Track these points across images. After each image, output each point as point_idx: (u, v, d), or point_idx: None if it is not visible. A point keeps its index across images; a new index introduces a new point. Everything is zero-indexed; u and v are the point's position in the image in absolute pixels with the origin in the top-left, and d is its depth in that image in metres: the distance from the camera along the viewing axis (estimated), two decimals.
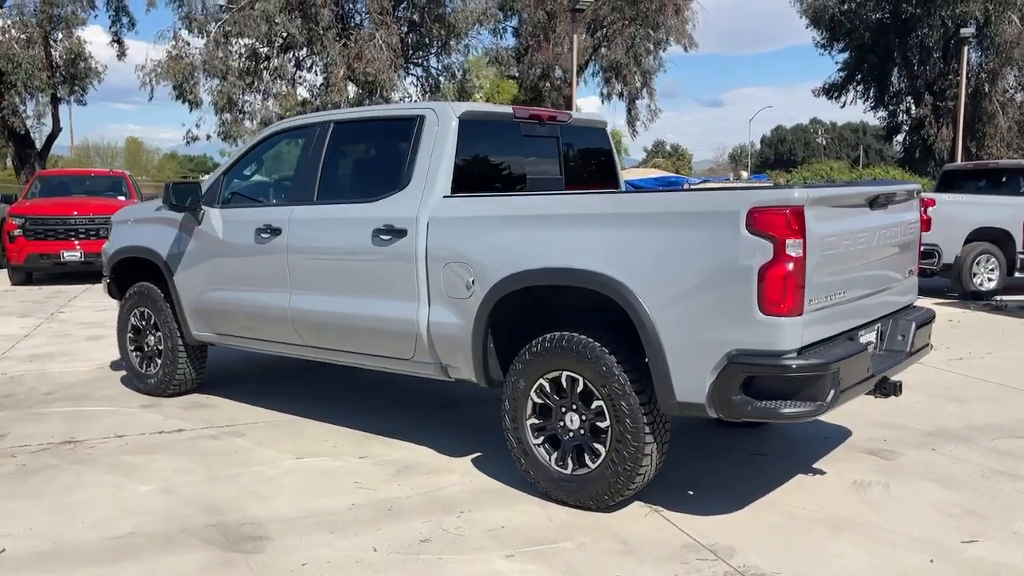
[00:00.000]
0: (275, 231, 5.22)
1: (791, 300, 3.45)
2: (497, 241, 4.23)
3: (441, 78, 29.59)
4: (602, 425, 3.93)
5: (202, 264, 5.75)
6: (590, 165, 5.67)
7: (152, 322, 6.22)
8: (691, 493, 4.26)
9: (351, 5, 28.73)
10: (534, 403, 4.18)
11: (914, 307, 4.72)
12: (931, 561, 3.49)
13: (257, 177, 5.95)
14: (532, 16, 30.67)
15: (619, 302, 3.77)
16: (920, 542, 3.67)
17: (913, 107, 37.45)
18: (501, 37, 32.29)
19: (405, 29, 28.44)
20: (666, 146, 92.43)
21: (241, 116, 27.83)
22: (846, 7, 37.45)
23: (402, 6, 28.18)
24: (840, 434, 5.17)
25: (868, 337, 4.11)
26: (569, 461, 4.07)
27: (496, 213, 4.36)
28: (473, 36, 29.46)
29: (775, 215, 3.43)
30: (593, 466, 3.98)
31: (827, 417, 4.69)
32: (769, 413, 3.54)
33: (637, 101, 32.38)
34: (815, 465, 4.67)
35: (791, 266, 3.43)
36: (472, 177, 4.73)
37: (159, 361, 6.21)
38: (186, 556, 3.60)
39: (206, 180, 6.01)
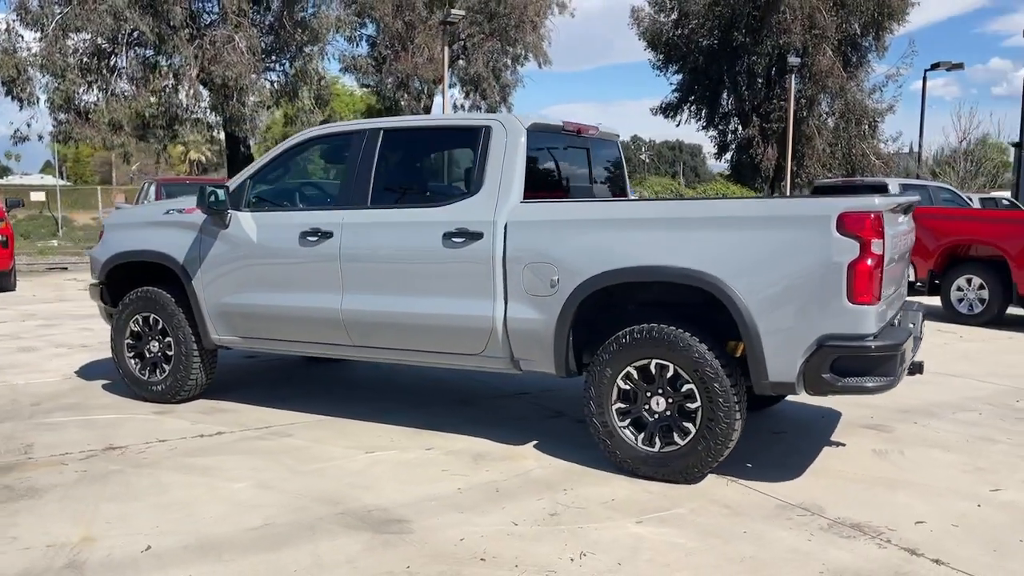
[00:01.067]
0: (325, 234, 5.35)
1: (874, 291, 4.09)
2: (585, 243, 4.63)
3: (299, 83, 29.10)
4: (692, 406, 4.41)
5: (229, 267, 5.75)
6: (606, 174, 6.16)
7: (159, 327, 6.10)
8: (749, 465, 4.82)
9: (203, 4, 27.78)
10: (620, 389, 4.61)
11: (908, 301, 5.55)
12: (978, 506, 4.22)
13: (288, 181, 6.00)
14: (390, 26, 30.83)
15: (718, 296, 4.28)
16: (959, 492, 4.41)
17: (741, 128, 40.47)
18: (357, 45, 32.21)
19: (263, 32, 27.83)
20: None
21: (83, 117, 26.24)
22: (680, 32, 40.01)
23: (261, 7, 27.58)
24: (832, 414, 5.92)
25: (908, 324, 4.84)
26: (656, 440, 4.53)
27: (583, 217, 4.76)
28: (330, 42, 29.31)
29: (862, 219, 4.05)
30: (682, 443, 4.46)
31: (813, 401, 5.44)
32: (855, 388, 4.15)
33: None
34: (832, 439, 5.37)
35: (873, 262, 4.06)
36: (531, 183, 5.09)
37: (166, 367, 6.10)
38: (340, 541, 3.75)
39: (228, 183, 6.02)
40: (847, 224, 4.06)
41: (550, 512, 4.10)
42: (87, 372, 7.24)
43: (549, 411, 6.04)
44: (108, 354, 6.73)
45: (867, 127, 37.98)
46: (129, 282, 6.35)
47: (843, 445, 5.25)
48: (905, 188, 13.32)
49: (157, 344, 6.16)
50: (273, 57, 29.47)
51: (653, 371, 4.52)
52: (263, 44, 27.90)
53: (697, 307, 4.48)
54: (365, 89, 35.93)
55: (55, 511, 4.07)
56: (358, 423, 5.67)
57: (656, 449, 4.53)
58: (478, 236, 4.90)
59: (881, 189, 13.05)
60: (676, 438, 4.49)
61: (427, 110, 32.12)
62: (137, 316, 6.20)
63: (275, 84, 29.29)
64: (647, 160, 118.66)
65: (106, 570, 3.45)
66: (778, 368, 4.22)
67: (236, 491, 4.39)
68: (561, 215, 4.82)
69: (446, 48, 25.38)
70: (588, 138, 5.77)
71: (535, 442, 5.24)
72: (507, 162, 4.96)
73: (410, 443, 5.23)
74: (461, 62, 32.51)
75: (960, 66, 32.90)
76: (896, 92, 52.13)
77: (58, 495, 4.29)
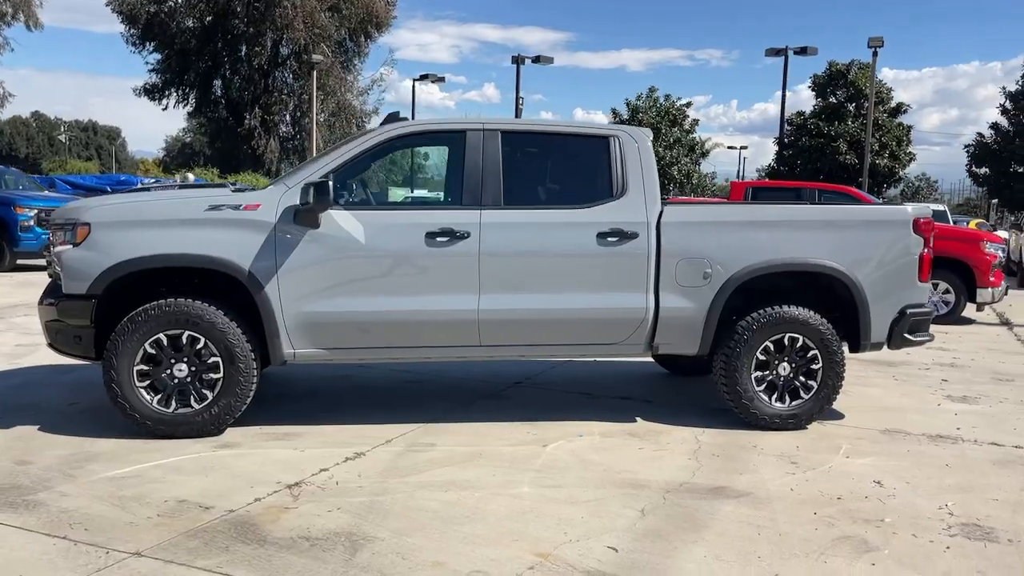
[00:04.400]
0: (460, 235, 5.23)
1: (929, 273, 5.84)
2: (734, 240, 5.54)
3: None
4: (815, 367, 5.67)
5: (323, 273, 5.14)
6: None
7: (196, 348, 5.08)
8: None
9: None
10: (758, 360, 5.63)
11: None
12: (1016, 447, 6.10)
13: (377, 178, 5.46)
14: None
15: (845, 282, 5.59)
16: (992, 444, 5.63)
17: (232, 118, 40.12)
18: None
19: None
20: None
21: None
22: (160, 8, 38.03)
23: None
24: None
25: None
26: (787, 398, 5.68)
27: (730, 219, 5.62)
28: None
29: (927, 222, 5.78)
30: (807, 397, 5.69)
31: None
32: (918, 342, 5.88)
33: None
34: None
35: (929, 252, 5.81)
36: None
37: (208, 393, 5.11)
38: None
39: (290, 177, 5.26)
40: (920, 226, 5.75)
41: (791, 461, 5.01)
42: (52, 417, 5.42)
43: (579, 394, 6.60)
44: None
45: (355, 127, 40.87)
46: (134, 296, 5.11)
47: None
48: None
49: (186, 367, 5.10)
50: None
51: (786, 343, 5.65)
52: None
53: (816, 291, 5.72)
54: None
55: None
56: (459, 426, 5.58)
57: (787, 405, 5.68)
58: (633, 236, 5.42)
59: None
60: (801, 394, 5.69)
61: None
62: (158, 335, 5.04)
63: None
64: (65, 140, 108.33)
65: None
66: (877, 331, 5.73)
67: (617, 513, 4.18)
68: (711, 216, 5.65)
69: None
70: None
71: (638, 417, 5.90)
72: (646, 168, 5.56)
73: (558, 434, 5.44)
74: None
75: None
76: (380, 96, 56.53)
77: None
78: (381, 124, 5.71)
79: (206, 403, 5.12)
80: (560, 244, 5.43)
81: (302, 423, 5.53)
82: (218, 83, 39.52)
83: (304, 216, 5.11)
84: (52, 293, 5.20)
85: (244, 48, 37.54)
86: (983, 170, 45.86)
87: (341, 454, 4.90)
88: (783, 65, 30.22)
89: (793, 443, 5.39)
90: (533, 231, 5.41)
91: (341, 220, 5.16)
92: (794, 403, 5.70)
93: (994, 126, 44.89)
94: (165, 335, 5.05)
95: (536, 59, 32.80)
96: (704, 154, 35.01)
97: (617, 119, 33.48)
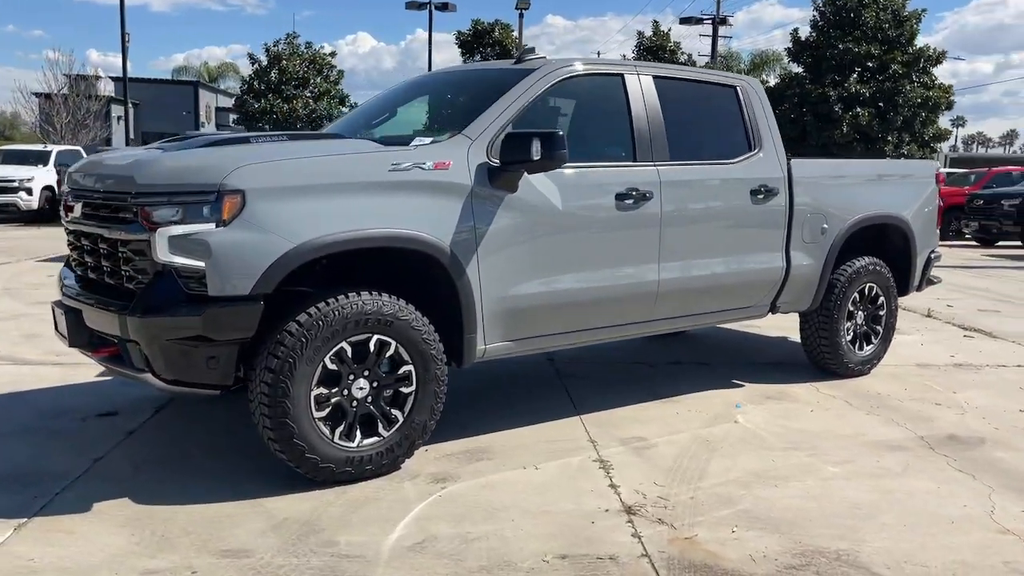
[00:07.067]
0: (642, 195, 4.56)
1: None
2: (843, 195, 5.60)
3: None
4: (881, 313, 6.01)
5: (522, 247, 4.13)
6: None
7: (383, 357, 3.79)
8: None
9: None
10: (849, 311, 5.80)
11: None
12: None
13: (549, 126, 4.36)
14: None
15: (905, 231, 5.96)
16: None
17: None
18: None
19: None
20: None
21: None
22: None
23: None
24: None
25: None
26: (864, 345, 5.95)
27: (840, 173, 5.67)
28: None
29: (940, 175, 6.40)
30: (876, 342, 6.02)
31: None
32: (936, 283, 6.49)
33: None
34: None
35: (941, 202, 6.46)
36: None
37: (398, 414, 3.85)
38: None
39: (471, 127, 4.08)
40: (939, 178, 6.35)
41: (937, 389, 5.30)
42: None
43: (643, 365, 6.17)
44: None
45: None
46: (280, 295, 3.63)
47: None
48: None
49: (367, 384, 3.78)
50: None
51: (865, 293, 5.89)
52: None
53: (877, 241, 6.02)
54: None
55: None
56: (626, 411, 4.96)
57: (865, 352, 5.94)
58: (774, 192, 5.20)
59: None
60: (873, 339, 6.00)
61: None
62: (341, 345, 3.66)
63: None
64: None
65: None
66: (916, 275, 6.23)
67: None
68: (828, 171, 5.60)
69: None
70: None
71: (734, 381, 5.74)
72: (769, 120, 5.35)
73: (713, 407, 5.09)
74: None
75: None
76: None
77: None
78: (516, 61, 4.70)
79: (396, 427, 3.86)
80: (723, 202, 5.03)
81: (461, 432, 4.44)
82: None
83: (505, 178, 4.05)
84: (153, 298, 3.45)
85: None
86: None
87: (615, 457, 4.06)
88: (428, 20, 30.72)
89: (896, 381, 5.69)
90: (701, 189, 4.92)
91: (536, 182, 4.18)
92: (868, 348, 5.99)
93: None
94: (348, 343, 3.68)
95: None
96: (354, 106, 33.72)
97: (256, 65, 30.77)
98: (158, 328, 3.39)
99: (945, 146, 44.34)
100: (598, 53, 52.41)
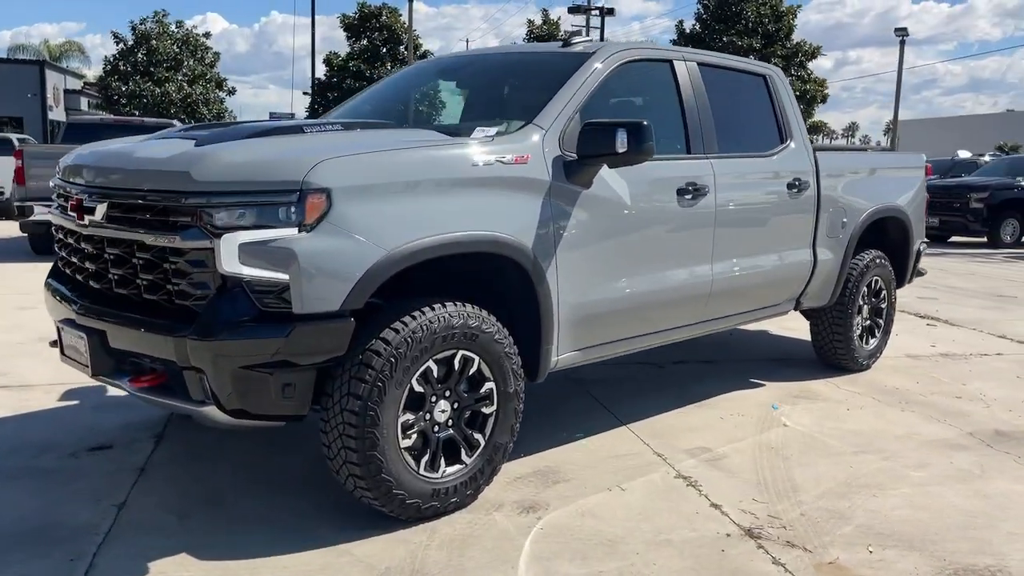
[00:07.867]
0: (699, 190, 4.30)
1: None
2: (861, 187, 5.51)
3: None
4: (882, 307, 6.01)
5: (596, 247, 3.79)
6: None
7: (468, 372, 3.37)
8: None
9: None
10: (858, 306, 5.75)
11: None
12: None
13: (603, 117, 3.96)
14: None
15: (904, 222, 5.95)
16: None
17: None
18: None
19: None
20: None
21: None
22: None
23: None
24: None
25: None
26: (869, 339, 5.92)
27: (858, 165, 5.54)
28: None
29: (927, 166, 6.45)
30: (879, 336, 6.02)
31: None
32: (921, 274, 6.54)
33: None
34: None
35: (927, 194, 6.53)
36: None
37: (479, 438, 3.44)
38: None
39: (542, 116, 3.67)
40: (928, 170, 6.40)
41: (963, 383, 5.31)
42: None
43: (650, 365, 5.91)
44: None
45: None
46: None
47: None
48: None
49: (448, 405, 3.36)
50: None
51: (871, 287, 5.85)
52: None
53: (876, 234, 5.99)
54: None
55: None
56: (664, 417, 4.69)
57: (871, 346, 5.91)
58: (807, 186, 5.06)
59: None
60: (876, 333, 5.99)
61: None
62: (429, 365, 3.21)
63: None
64: None
65: None
66: (911, 267, 6.26)
67: None
68: (848, 164, 5.47)
69: None
70: None
71: (755, 380, 5.59)
72: (796, 111, 5.20)
73: (749, 409, 4.90)
74: None
75: None
76: None
77: None
78: (564, 44, 4.32)
79: (478, 452, 3.45)
80: (766, 197, 4.84)
81: (516, 451, 4.05)
82: None
83: (583, 172, 3.68)
84: (222, 317, 2.90)
85: None
86: None
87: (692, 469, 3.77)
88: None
89: (901, 374, 5.69)
90: (750, 183, 4.73)
91: (608, 176, 3.83)
92: (872, 342, 5.97)
93: None
94: (434, 361, 3.24)
95: None
96: (232, 91, 31.99)
97: (121, 46, 28.54)
98: (232, 352, 2.85)
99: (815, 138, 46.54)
100: (467, 43, 52.01)
